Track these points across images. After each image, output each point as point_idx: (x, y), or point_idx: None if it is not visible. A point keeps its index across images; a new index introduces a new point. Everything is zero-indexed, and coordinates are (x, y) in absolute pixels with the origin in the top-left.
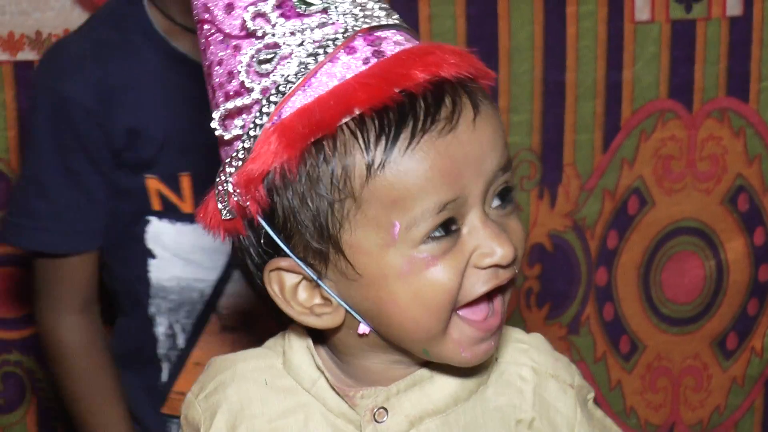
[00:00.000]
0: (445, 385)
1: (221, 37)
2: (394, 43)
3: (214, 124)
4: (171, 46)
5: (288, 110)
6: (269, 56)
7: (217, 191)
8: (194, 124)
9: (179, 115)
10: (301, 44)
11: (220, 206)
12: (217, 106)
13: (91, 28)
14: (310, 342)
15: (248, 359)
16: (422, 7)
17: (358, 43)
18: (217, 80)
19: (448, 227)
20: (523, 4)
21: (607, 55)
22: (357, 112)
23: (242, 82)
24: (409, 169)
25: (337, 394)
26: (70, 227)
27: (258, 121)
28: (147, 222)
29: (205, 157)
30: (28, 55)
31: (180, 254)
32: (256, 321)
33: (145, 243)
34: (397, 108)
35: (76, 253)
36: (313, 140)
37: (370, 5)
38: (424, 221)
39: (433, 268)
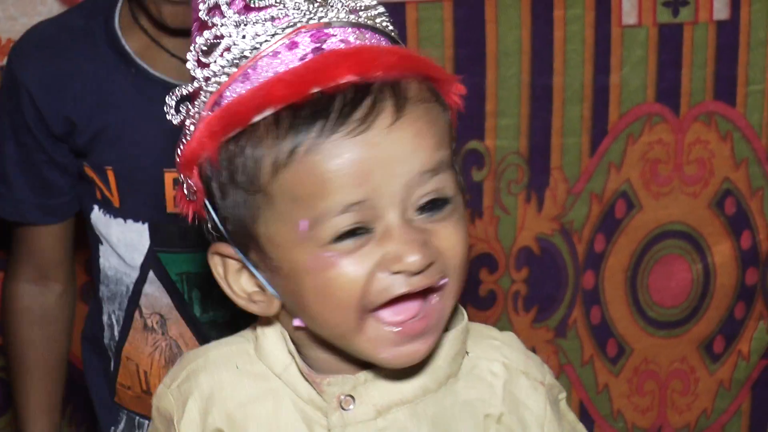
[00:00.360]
0: (415, 376)
1: (197, 25)
2: (341, 41)
3: (170, 110)
4: (120, 43)
5: (224, 100)
6: (214, 45)
7: (176, 162)
8: (123, 122)
9: (112, 110)
10: (244, 36)
11: (184, 188)
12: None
13: (68, 12)
14: (284, 328)
15: (220, 346)
16: (410, 11)
17: (302, 39)
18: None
19: (356, 231)
20: (510, 8)
21: (594, 59)
22: (271, 109)
23: (189, 69)
24: (313, 167)
25: (306, 380)
26: (17, 195)
27: (197, 108)
28: (92, 209)
29: (126, 156)
30: None
31: (112, 246)
32: (171, 326)
33: (94, 228)
34: (310, 106)
35: (21, 221)
36: (231, 133)
37: (333, 1)
38: (329, 221)
39: (339, 267)
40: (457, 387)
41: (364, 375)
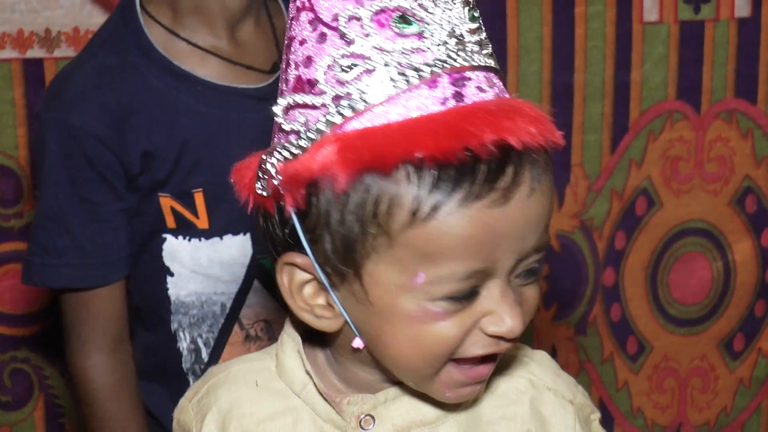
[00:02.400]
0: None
1: (312, 17)
2: (477, 88)
3: (276, 109)
4: (173, 64)
5: (352, 124)
6: (352, 65)
7: (260, 164)
8: (204, 140)
9: (189, 132)
10: (386, 65)
11: (257, 180)
12: (287, 88)
13: (91, 54)
14: (301, 346)
15: (243, 362)
16: None
17: (442, 78)
18: (293, 56)
19: (469, 294)
20: (531, 5)
21: (615, 56)
22: (418, 157)
23: (317, 81)
24: (451, 230)
25: (325, 399)
26: (95, 260)
27: (320, 126)
28: (163, 240)
29: (215, 173)
30: (37, 52)
31: (198, 270)
32: (279, 329)
33: (162, 261)
34: (458, 166)
35: (102, 285)
36: (369, 167)
37: (467, 38)
38: (449, 283)
39: (442, 322)
40: (481, 407)
41: (384, 395)
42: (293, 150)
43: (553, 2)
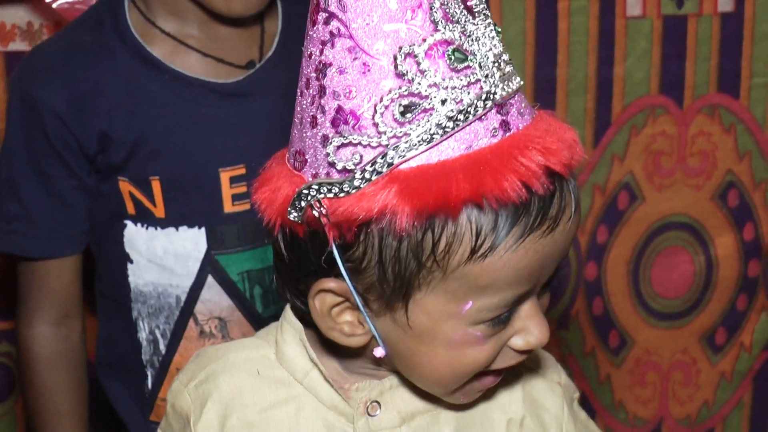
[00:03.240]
0: None
1: (350, 44)
2: (518, 113)
3: (329, 149)
4: (144, 50)
5: (408, 162)
6: (412, 106)
7: (300, 193)
8: (165, 128)
9: (150, 119)
10: (443, 102)
11: (291, 208)
12: (325, 118)
13: (69, 30)
14: (303, 334)
15: (240, 349)
16: None
17: (491, 110)
18: (331, 85)
19: (508, 314)
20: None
21: (598, 51)
22: (484, 200)
23: (374, 121)
24: (506, 264)
25: (331, 386)
26: (44, 231)
27: (378, 168)
28: (124, 226)
29: (174, 163)
30: (19, 45)
31: (153, 259)
32: (234, 327)
33: (123, 247)
34: (514, 204)
35: (50, 257)
36: (432, 210)
37: (504, 58)
38: (495, 310)
39: (480, 346)
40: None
41: (389, 381)
42: (345, 188)
43: None
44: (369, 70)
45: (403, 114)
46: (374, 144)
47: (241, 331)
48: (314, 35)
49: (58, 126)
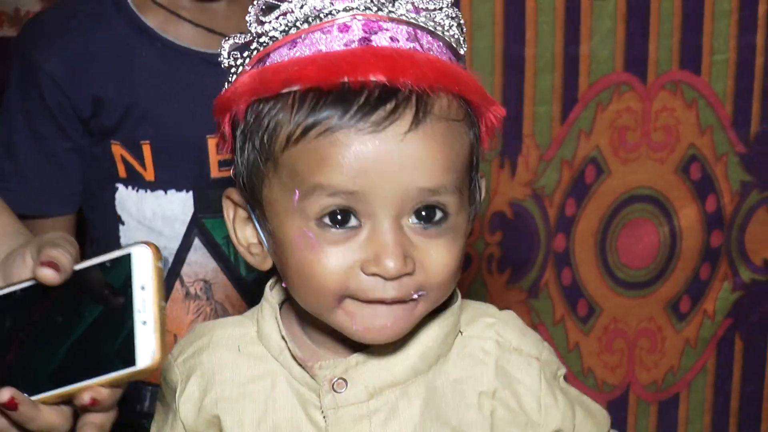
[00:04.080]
0: (405, 357)
1: None
2: (390, 38)
3: (222, 53)
4: (140, 20)
5: (271, 60)
6: (272, 8)
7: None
8: (156, 95)
9: (142, 85)
10: (302, 6)
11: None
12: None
13: (64, 0)
14: (278, 312)
15: (226, 326)
16: None
17: (356, 24)
18: None
19: (343, 220)
20: None
21: (564, 30)
22: (297, 87)
23: (247, 22)
24: (319, 147)
25: (298, 364)
26: (36, 190)
27: (240, 62)
28: (115, 189)
29: (163, 128)
30: (7, 31)
31: (143, 221)
32: (218, 289)
33: (114, 209)
34: (335, 94)
35: (43, 215)
36: (263, 95)
37: None
38: (318, 198)
39: (318, 251)
40: (448, 366)
41: (355, 358)
42: (225, 86)
43: None
44: None
45: (264, 13)
46: (245, 41)
47: (224, 293)
48: None
49: (54, 89)
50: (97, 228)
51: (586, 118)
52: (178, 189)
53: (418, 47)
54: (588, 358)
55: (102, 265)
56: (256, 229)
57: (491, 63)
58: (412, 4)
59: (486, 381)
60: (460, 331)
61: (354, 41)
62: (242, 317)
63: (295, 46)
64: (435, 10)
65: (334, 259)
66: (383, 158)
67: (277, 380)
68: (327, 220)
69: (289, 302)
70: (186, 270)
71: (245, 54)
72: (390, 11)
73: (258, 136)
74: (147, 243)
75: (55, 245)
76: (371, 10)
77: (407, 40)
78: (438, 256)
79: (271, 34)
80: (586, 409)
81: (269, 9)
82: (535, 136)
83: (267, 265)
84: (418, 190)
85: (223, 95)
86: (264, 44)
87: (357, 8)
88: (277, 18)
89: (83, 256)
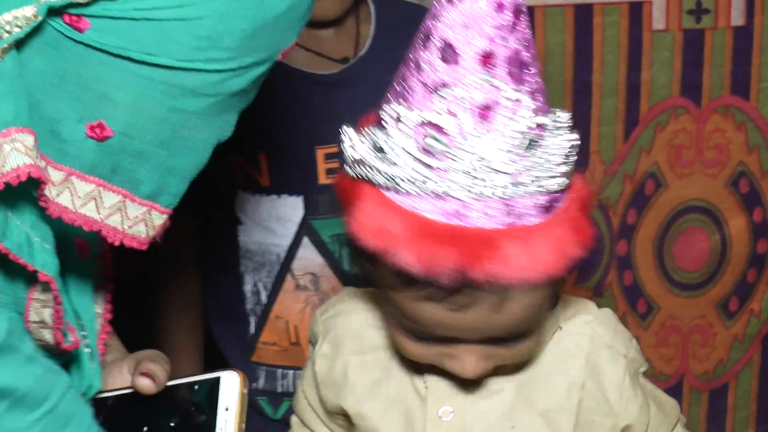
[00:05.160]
0: None
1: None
2: (484, 213)
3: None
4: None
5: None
6: (381, 148)
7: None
8: (272, 113)
9: (259, 104)
10: (405, 166)
11: None
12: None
13: None
14: None
15: (365, 298)
16: None
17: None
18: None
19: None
20: (555, 15)
21: (628, 59)
22: (397, 260)
23: (362, 137)
24: (408, 306)
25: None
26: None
27: (359, 172)
28: (235, 193)
29: (279, 141)
30: None
31: (259, 222)
32: (324, 282)
33: (234, 211)
34: (417, 274)
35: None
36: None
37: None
38: (406, 325)
39: (408, 340)
40: (543, 357)
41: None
42: (349, 171)
43: (575, 13)
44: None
45: (378, 149)
46: (358, 151)
47: (330, 285)
48: (418, 50)
49: None
50: (217, 228)
51: (646, 137)
52: (290, 193)
53: (507, 221)
54: (646, 350)
55: (192, 384)
56: None
57: (562, 88)
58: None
59: (576, 373)
60: (559, 326)
61: (451, 215)
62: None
63: (401, 195)
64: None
65: (424, 353)
66: (470, 329)
67: (394, 353)
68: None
69: None
70: (296, 264)
71: (365, 172)
72: (489, 191)
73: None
74: (237, 371)
75: (153, 360)
76: (478, 191)
77: (501, 214)
78: (510, 355)
79: (396, 179)
80: (658, 403)
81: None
82: (601, 153)
83: None
84: (502, 337)
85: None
86: (394, 191)
87: (463, 189)
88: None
89: (201, 260)
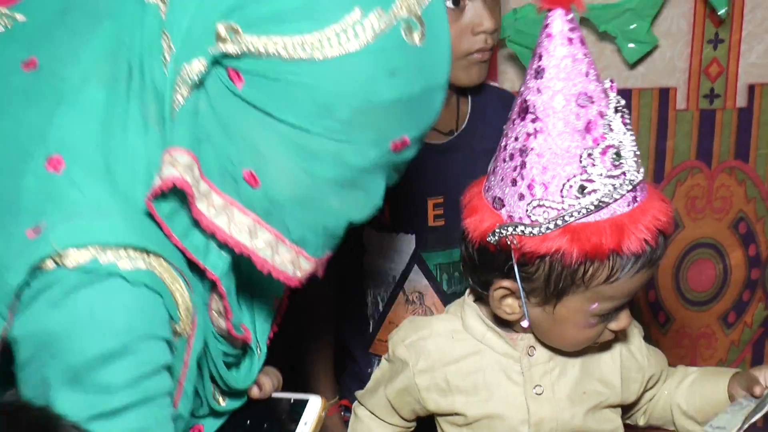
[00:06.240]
0: None
1: (547, 139)
2: (640, 190)
3: (526, 205)
4: None
5: (577, 220)
6: (585, 187)
7: (500, 228)
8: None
9: None
10: (604, 185)
11: (491, 235)
12: (523, 186)
13: None
14: (480, 311)
15: (440, 322)
16: None
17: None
18: (531, 162)
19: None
20: None
21: (657, 131)
22: (621, 250)
23: (562, 193)
24: (624, 287)
25: (503, 338)
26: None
27: (558, 222)
28: (363, 228)
29: (400, 194)
30: None
31: (380, 252)
32: (429, 298)
33: (362, 242)
34: (639, 253)
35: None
36: (590, 255)
37: (638, 154)
38: (609, 310)
39: (592, 328)
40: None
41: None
42: (534, 231)
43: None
44: (559, 160)
45: (580, 191)
46: (558, 207)
47: (432, 301)
48: (520, 126)
49: None
50: (347, 253)
51: (669, 190)
52: (406, 232)
53: (645, 189)
54: (664, 351)
55: (289, 399)
56: (521, 301)
57: None
58: (638, 157)
59: (615, 346)
60: None
61: (630, 201)
62: (447, 315)
63: (594, 212)
64: (639, 156)
65: (596, 333)
66: (647, 279)
67: (483, 355)
68: (604, 315)
69: (480, 306)
70: (407, 285)
71: (559, 220)
72: (639, 172)
73: (578, 274)
74: (321, 397)
75: (265, 374)
76: (636, 179)
77: (644, 185)
78: None
79: (585, 208)
80: (656, 355)
81: (582, 189)
82: None
83: (516, 318)
84: None
85: (540, 243)
86: (581, 215)
87: (633, 181)
88: (589, 194)
89: (334, 278)
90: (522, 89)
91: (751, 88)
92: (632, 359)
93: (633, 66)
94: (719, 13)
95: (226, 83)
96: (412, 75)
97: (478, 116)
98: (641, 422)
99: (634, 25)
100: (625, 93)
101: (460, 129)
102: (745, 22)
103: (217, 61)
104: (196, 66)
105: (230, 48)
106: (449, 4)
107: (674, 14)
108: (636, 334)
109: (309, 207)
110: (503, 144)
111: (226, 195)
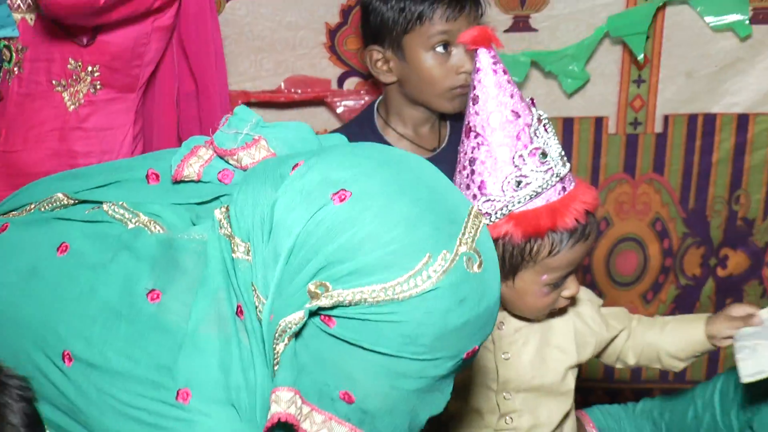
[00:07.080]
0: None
1: (488, 150)
2: (569, 180)
3: (479, 202)
4: (383, 138)
5: (518, 208)
6: (521, 181)
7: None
8: None
9: None
10: (536, 179)
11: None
12: (477, 187)
13: (351, 123)
14: None
15: None
16: None
17: (556, 185)
18: (477, 170)
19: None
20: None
21: (593, 150)
22: (557, 229)
23: (502, 189)
24: (564, 257)
25: None
26: None
27: (504, 212)
28: None
29: None
30: None
31: None
32: None
33: None
34: (572, 230)
35: None
36: (532, 234)
37: (562, 153)
38: (557, 279)
39: (547, 297)
40: (551, 314)
41: (503, 313)
42: (486, 221)
43: (563, 124)
44: (499, 164)
45: (517, 185)
46: (502, 200)
47: None
48: (467, 143)
49: None
50: None
51: (602, 196)
52: None
53: (573, 180)
54: None
55: None
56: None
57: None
58: (563, 155)
59: (569, 316)
60: None
61: (560, 190)
62: None
63: (530, 201)
64: (564, 154)
65: (551, 300)
66: (584, 251)
67: None
68: (555, 284)
69: None
70: None
71: (504, 209)
72: (564, 167)
73: (525, 251)
74: None
75: None
76: (561, 172)
77: (571, 177)
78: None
79: (521, 198)
80: (614, 316)
81: (518, 184)
82: None
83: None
84: None
85: (493, 229)
86: (520, 203)
87: (558, 174)
88: (524, 187)
89: None
90: (465, 116)
91: (666, 118)
92: (585, 326)
93: (572, 97)
94: (638, 58)
95: (318, 325)
96: (476, 299)
97: (456, 136)
98: (631, 362)
99: (572, 66)
100: (569, 120)
101: (441, 146)
102: (662, 67)
103: (312, 312)
104: (295, 319)
105: (324, 302)
106: (440, 49)
107: (607, 60)
108: (588, 305)
109: (396, 413)
110: (459, 159)
111: (325, 412)
